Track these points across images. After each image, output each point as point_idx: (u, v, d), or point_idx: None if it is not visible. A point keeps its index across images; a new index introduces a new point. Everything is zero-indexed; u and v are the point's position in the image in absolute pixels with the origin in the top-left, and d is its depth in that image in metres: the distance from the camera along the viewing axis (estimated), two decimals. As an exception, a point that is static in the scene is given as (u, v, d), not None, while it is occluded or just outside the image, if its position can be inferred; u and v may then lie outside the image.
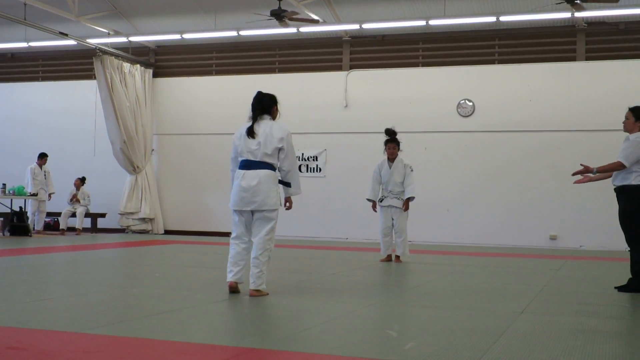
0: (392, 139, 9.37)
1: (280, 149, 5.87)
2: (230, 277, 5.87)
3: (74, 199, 15.45)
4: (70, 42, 15.36)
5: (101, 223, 16.17)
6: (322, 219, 15.06)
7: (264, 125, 5.93)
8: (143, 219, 15.97)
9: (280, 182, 5.94)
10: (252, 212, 5.82)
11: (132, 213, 15.92)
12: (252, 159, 5.84)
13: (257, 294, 5.75)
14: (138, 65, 16.07)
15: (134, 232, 15.97)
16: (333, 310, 5.15)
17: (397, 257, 9.46)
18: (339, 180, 14.95)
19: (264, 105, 6.08)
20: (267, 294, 5.82)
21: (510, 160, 14.10)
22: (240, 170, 5.88)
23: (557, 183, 13.75)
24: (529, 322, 4.69)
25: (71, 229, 15.65)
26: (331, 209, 15.04)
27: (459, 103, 14.42)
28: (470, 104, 14.36)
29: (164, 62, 16.94)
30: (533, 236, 13.85)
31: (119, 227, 16.13)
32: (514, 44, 14.51)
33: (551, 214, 13.79)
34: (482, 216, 14.17)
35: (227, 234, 15.59)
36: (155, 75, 16.68)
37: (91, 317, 4.69)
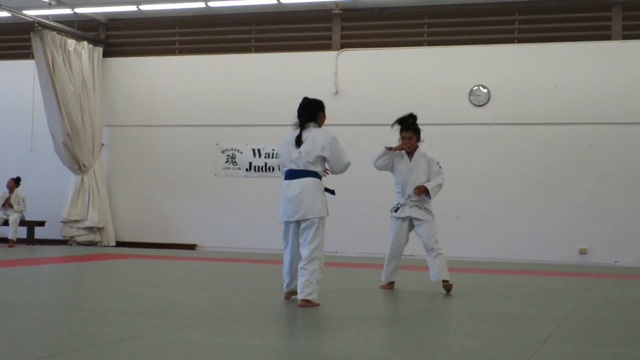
0: (408, 125, 8.33)
1: (324, 158, 6.90)
2: (284, 289, 7.08)
3: (6, 204, 15.37)
4: (3, 13, 15.27)
5: (39, 233, 16.09)
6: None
7: (308, 133, 6.89)
8: (90, 228, 15.91)
9: (326, 190, 7.01)
10: (299, 221, 6.81)
11: (77, 221, 15.86)
12: (295, 168, 6.89)
13: (306, 304, 6.61)
14: (85, 43, 16.02)
15: (80, 243, 15.91)
16: (312, 347, 5.15)
17: (445, 282, 8.17)
18: (327, 183, 14.92)
19: (310, 111, 7.00)
20: (318, 304, 6.66)
21: (531, 159, 14.15)
22: (285, 181, 6.92)
23: (588, 186, 13.82)
24: (554, 354, 4.72)
25: (2, 240, 15.57)
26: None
27: (471, 90, 14.47)
28: (485, 91, 14.41)
29: (116, 38, 16.89)
30: (559, 250, 13.91)
31: (61, 237, 16.06)
32: (537, 19, 14.58)
33: (581, 223, 13.86)
34: (498, 226, 14.21)
35: (192, 246, 15.59)
36: (106, 54, 16.62)
37: (27, 347, 4.67)
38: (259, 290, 8.15)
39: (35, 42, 15.04)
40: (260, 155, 15.32)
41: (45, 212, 16.19)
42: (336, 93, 15.08)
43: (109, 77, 16.62)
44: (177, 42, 16.52)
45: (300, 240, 6.78)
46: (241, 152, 15.44)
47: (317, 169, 6.91)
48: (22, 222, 15.54)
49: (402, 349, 4.95)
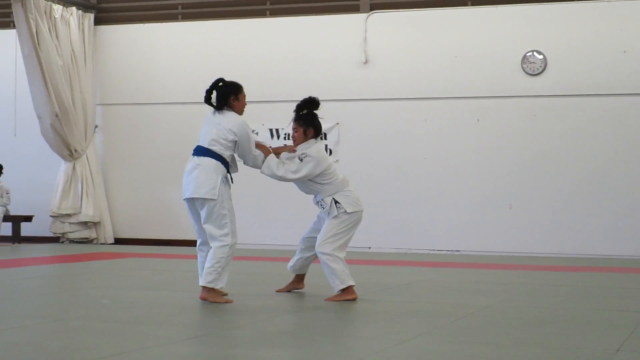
0: (297, 115, 8.15)
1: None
2: None
3: (-12, 197, 15.49)
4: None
5: (26, 229, 16.19)
6: (333, 221, 15.03)
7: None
8: (84, 224, 15.99)
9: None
10: None
11: (69, 215, 15.94)
12: None
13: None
14: (74, 8, 16.05)
15: (73, 241, 16.00)
16: (357, 348, 5.15)
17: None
18: (358, 166, 14.92)
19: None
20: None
21: (596, 136, 14.05)
22: None
23: (662, 167, 13.73)
24: (626, 365, 4.68)
25: (-16, 238, 15.70)
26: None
27: (525, 56, 14.37)
28: (540, 57, 14.32)
29: (109, 2, 16.90)
30: (630, 243, 13.82)
31: (51, 234, 16.16)
32: (600, -28, 14.43)
33: (655, 210, 13.78)
34: (557, 214, 14.13)
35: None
36: (98, 21, 16.65)
37: (14, 362, 4.70)
38: (273, 293, 8.14)
39: (17, 9, 15.06)
40: (278, 137, 15.30)
41: (32, 206, 16.25)
42: (365, 62, 15.02)
43: (102, 48, 16.64)
44: (179, 6, 16.50)
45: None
46: (257, 133, 15.41)
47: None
48: (6, 218, 15.61)
49: (445, 359, 4.94)
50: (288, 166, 7.70)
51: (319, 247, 7.63)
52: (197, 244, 7.54)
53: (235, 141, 7.36)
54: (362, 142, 14.97)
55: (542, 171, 14.24)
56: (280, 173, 7.66)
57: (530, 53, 14.34)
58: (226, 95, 7.51)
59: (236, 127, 7.34)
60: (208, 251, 7.31)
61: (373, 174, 14.81)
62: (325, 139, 15.04)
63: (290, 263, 8.19)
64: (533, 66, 14.34)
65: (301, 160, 7.67)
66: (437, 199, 14.50)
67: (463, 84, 14.58)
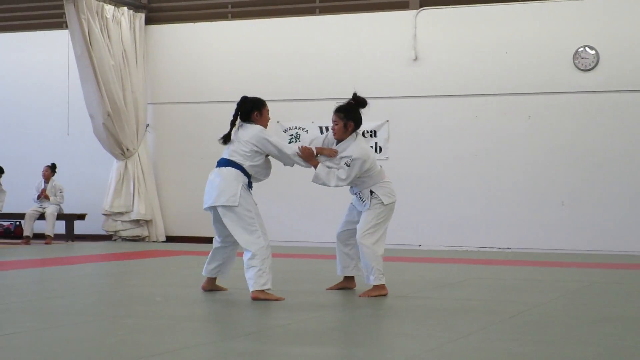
0: (338, 107, 7.97)
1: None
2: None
3: (42, 195, 15.65)
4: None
5: (79, 227, 16.35)
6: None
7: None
8: (136, 222, 16.11)
9: None
10: None
11: (121, 213, 16.07)
12: None
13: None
14: (125, 9, 16.19)
15: (125, 239, 16.13)
16: (408, 346, 5.13)
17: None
18: (408, 163, 14.88)
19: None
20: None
21: (650, 132, 13.90)
22: None
23: None
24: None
25: (38, 236, 15.85)
26: (397, 205, 14.88)
27: (577, 52, 14.23)
28: (592, 52, 14.18)
29: (160, 2, 17.02)
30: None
31: (103, 232, 16.30)
32: (654, -35, 14.24)
33: None
34: (610, 211, 13.98)
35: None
36: (148, 21, 16.79)
37: (69, 358, 4.74)
38: (321, 290, 8.14)
39: (69, 10, 15.22)
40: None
41: (85, 204, 16.41)
42: (415, 59, 14.97)
43: (153, 48, 16.77)
44: (229, 5, 16.57)
45: None
46: (306, 131, 15.45)
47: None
48: (60, 216, 15.76)
49: (499, 357, 4.90)
50: (338, 173, 7.73)
51: (360, 238, 7.70)
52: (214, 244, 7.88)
53: (256, 151, 7.58)
54: (412, 139, 14.92)
55: (595, 167, 14.10)
56: (332, 184, 7.75)
57: (582, 48, 14.20)
58: (250, 111, 7.80)
59: (253, 138, 7.58)
60: (224, 252, 7.78)
61: (423, 171, 14.76)
62: (375, 136, 15.02)
63: (338, 267, 8.20)
64: (585, 62, 14.20)
65: (348, 165, 7.67)
66: (488, 196, 14.41)
67: (514, 80, 14.47)
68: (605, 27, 14.16)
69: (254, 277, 7.24)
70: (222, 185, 7.46)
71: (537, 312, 6.77)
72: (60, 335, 5.50)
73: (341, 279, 8.27)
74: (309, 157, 7.74)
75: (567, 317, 6.50)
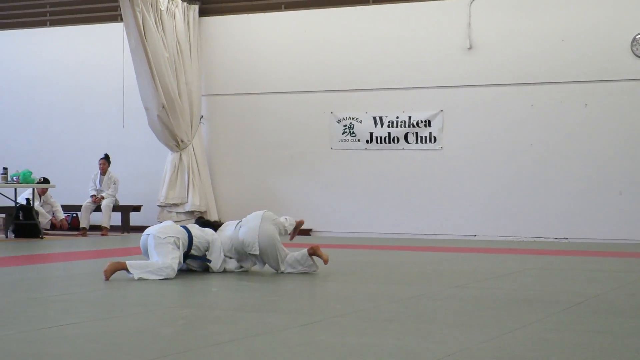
0: None
1: None
2: None
3: (97, 202, 15.75)
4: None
5: (135, 219, 16.52)
6: (438, 210, 14.94)
7: None
8: (191, 213, 16.23)
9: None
10: None
11: (176, 205, 16.21)
12: None
13: None
14: (179, 1, 16.28)
15: (179, 230, 16.26)
16: (465, 336, 5.11)
17: None
18: (462, 153, 14.82)
19: None
20: None
21: None
22: None
23: None
24: None
25: (95, 228, 16.05)
26: (452, 195, 14.92)
27: (635, 38, 14.06)
28: (651, 39, 14.02)
29: (213, -6, 17.12)
30: None
31: (158, 223, 16.43)
32: None
33: None
34: (670, 201, 13.82)
35: (306, 232, 15.70)
36: (202, 13, 16.87)
37: (129, 348, 4.80)
38: (383, 281, 8.15)
39: (124, 2, 15.34)
40: (382, 125, 15.28)
41: (141, 196, 16.60)
42: (470, 48, 14.88)
43: (206, 40, 16.87)
44: (283, -4, 16.61)
45: None
46: (360, 122, 15.44)
47: None
48: (116, 208, 15.96)
49: (564, 347, 4.87)
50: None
51: None
52: None
53: None
54: (467, 128, 14.85)
55: (654, 156, 13.94)
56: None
57: (640, 35, 14.05)
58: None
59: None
60: None
61: (478, 161, 14.68)
62: (430, 126, 14.97)
63: None
64: (643, 48, 14.04)
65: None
66: (544, 186, 14.30)
67: (570, 68, 14.33)
68: (664, 13, 13.98)
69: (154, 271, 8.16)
70: None
71: (596, 303, 6.70)
72: (119, 326, 5.57)
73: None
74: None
75: (627, 308, 6.44)
